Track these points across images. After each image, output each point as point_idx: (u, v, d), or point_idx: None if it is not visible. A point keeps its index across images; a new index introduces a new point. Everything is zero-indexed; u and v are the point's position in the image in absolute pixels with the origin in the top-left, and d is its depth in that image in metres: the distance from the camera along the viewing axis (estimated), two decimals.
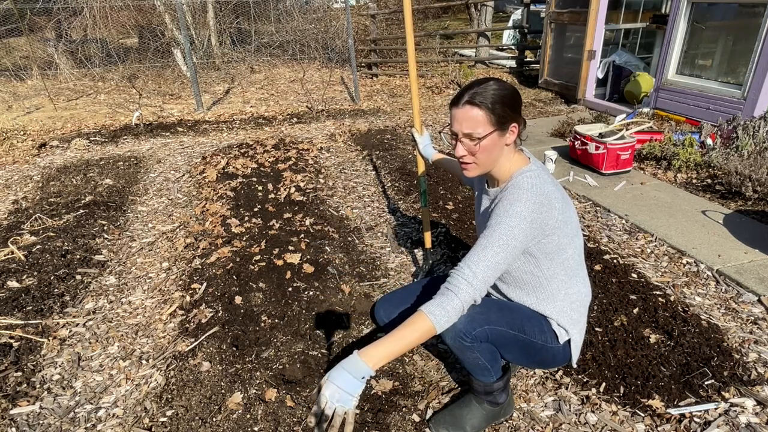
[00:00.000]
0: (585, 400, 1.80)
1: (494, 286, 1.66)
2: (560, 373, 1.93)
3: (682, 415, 1.70)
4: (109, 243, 3.12)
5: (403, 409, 1.79)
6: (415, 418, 1.76)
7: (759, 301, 2.30)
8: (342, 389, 1.15)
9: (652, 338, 2.06)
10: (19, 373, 2.01)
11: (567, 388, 1.86)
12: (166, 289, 2.62)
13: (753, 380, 1.84)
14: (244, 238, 3.05)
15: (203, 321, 2.28)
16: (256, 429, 1.72)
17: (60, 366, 2.08)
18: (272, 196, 3.73)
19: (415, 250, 2.93)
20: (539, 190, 1.37)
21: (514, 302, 1.59)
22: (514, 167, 1.47)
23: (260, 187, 3.87)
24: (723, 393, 1.78)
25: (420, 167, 2.48)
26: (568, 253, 1.48)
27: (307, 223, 3.26)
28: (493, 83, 1.41)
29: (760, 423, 1.66)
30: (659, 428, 1.67)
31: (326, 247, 2.94)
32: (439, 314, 1.27)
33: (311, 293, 2.49)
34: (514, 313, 1.52)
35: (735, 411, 1.71)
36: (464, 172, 1.49)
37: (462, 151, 1.44)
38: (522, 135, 1.49)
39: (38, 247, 2.99)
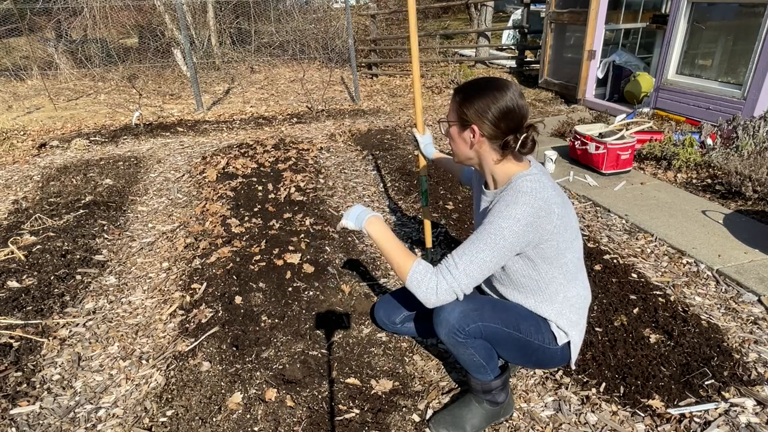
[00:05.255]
0: (585, 400, 1.80)
1: (493, 289, 1.66)
2: (560, 373, 1.93)
3: (682, 415, 1.70)
4: (109, 243, 3.12)
5: (403, 409, 1.79)
6: (415, 418, 1.76)
7: (759, 301, 2.30)
8: (353, 213, 1.57)
9: (652, 338, 2.06)
10: (19, 373, 2.01)
11: (567, 388, 1.86)
12: (166, 289, 2.62)
13: (753, 380, 1.84)
14: (244, 238, 3.05)
15: (203, 321, 2.28)
16: (256, 429, 1.72)
17: (60, 366, 2.08)
18: (272, 196, 3.73)
19: (416, 250, 2.93)
20: (539, 194, 1.35)
21: (512, 302, 1.59)
22: (513, 170, 1.45)
23: (260, 187, 3.87)
24: (723, 393, 1.78)
25: (421, 167, 2.48)
26: (567, 257, 1.47)
27: (307, 223, 3.26)
28: (490, 81, 1.42)
29: (760, 423, 1.66)
30: (659, 428, 1.67)
31: (326, 247, 2.94)
32: (417, 274, 1.40)
33: (311, 293, 2.49)
34: (509, 312, 1.52)
35: (735, 411, 1.71)
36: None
37: (444, 134, 1.56)
38: (516, 146, 1.40)
39: (38, 247, 2.99)
